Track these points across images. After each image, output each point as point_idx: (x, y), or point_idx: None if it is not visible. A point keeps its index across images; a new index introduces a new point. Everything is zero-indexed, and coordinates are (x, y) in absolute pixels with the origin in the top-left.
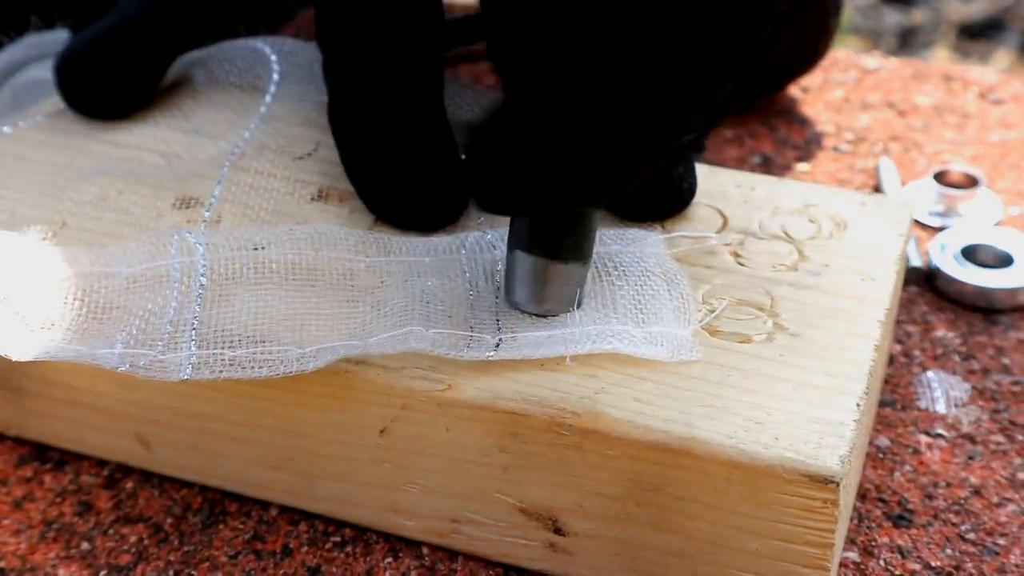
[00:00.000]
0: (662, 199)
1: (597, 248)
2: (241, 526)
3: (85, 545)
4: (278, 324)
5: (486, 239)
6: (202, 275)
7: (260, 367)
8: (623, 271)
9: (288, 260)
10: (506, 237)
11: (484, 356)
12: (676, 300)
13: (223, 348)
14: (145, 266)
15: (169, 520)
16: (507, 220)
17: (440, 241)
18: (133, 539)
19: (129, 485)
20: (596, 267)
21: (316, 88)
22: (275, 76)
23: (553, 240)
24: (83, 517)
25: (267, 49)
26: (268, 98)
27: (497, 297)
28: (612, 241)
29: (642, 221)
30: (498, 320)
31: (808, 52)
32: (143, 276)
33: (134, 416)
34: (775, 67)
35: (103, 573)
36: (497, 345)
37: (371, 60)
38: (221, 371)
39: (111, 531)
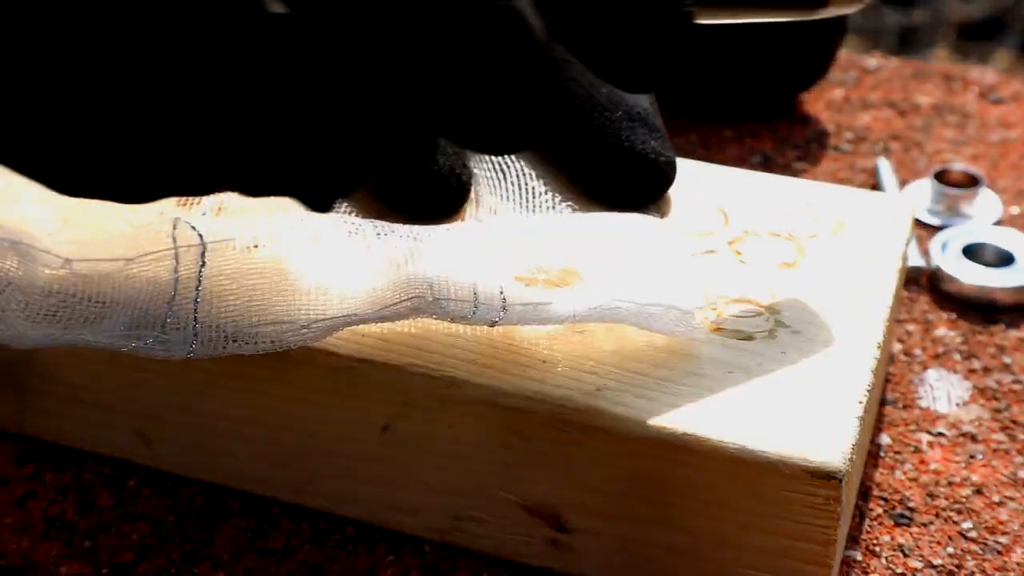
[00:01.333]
0: (642, 178)
1: (599, 229)
2: (243, 524)
3: (87, 543)
4: (279, 301)
5: (484, 224)
6: (202, 259)
7: (263, 341)
8: (625, 250)
9: (288, 243)
10: (505, 225)
11: (489, 321)
12: (678, 279)
13: (225, 326)
14: (145, 254)
15: (171, 518)
16: (505, 208)
17: (438, 227)
18: (135, 537)
19: (131, 483)
20: (598, 246)
21: None
22: None
23: None
24: (85, 515)
25: None
26: None
27: (499, 271)
28: (614, 222)
29: (629, 205)
30: (502, 291)
31: (810, 73)
32: (143, 264)
33: (135, 413)
34: (779, 86)
35: (105, 571)
36: (503, 309)
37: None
38: (224, 347)
39: (113, 529)
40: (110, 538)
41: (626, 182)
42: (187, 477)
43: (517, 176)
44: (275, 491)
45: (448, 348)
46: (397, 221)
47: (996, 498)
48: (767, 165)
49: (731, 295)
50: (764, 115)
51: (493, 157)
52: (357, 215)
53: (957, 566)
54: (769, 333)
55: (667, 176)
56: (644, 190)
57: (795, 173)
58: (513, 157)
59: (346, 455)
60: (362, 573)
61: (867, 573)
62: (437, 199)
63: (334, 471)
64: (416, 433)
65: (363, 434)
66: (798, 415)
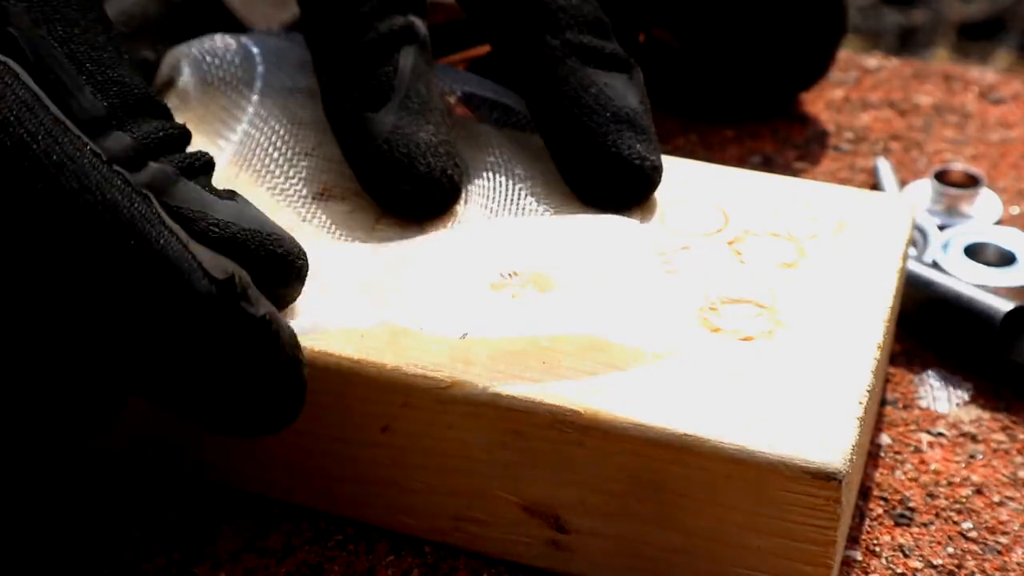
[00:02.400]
0: (625, 181)
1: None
2: (243, 524)
3: (87, 543)
4: None
5: (459, 229)
6: None
7: None
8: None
9: None
10: (480, 228)
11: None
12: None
13: None
14: None
15: (171, 518)
16: (488, 210)
17: (420, 233)
18: (135, 537)
19: (131, 483)
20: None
21: (306, 81)
22: (259, 71)
23: None
24: (85, 515)
25: (250, 43)
26: (255, 95)
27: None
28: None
29: (612, 207)
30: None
31: (808, 73)
32: None
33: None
34: (779, 85)
35: (105, 571)
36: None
37: (361, 47)
38: None
39: (113, 529)
40: (110, 538)
41: (609, 185)
42: (187, 477)
43: (504, 178)
44: (275, 491)
45: (448, 348)
46: (387, 220)
47: (996, 498)
48: (767, 165)
49: (731, 295)
50: (764, 115)
51: (481, 159)
52: (353, 216)
53: (957, 566)
54: (769, 333)
55: (650, 180)
56: (626, 194)
57: (795, 173)
58: (502, 158)
59: (346, 456)
60: (362, 573)
61: (867, 573)
62: (428, 199)
63: (334, 471)
64: (416, 434)
65: (363, 435)
66: (798, 415)
